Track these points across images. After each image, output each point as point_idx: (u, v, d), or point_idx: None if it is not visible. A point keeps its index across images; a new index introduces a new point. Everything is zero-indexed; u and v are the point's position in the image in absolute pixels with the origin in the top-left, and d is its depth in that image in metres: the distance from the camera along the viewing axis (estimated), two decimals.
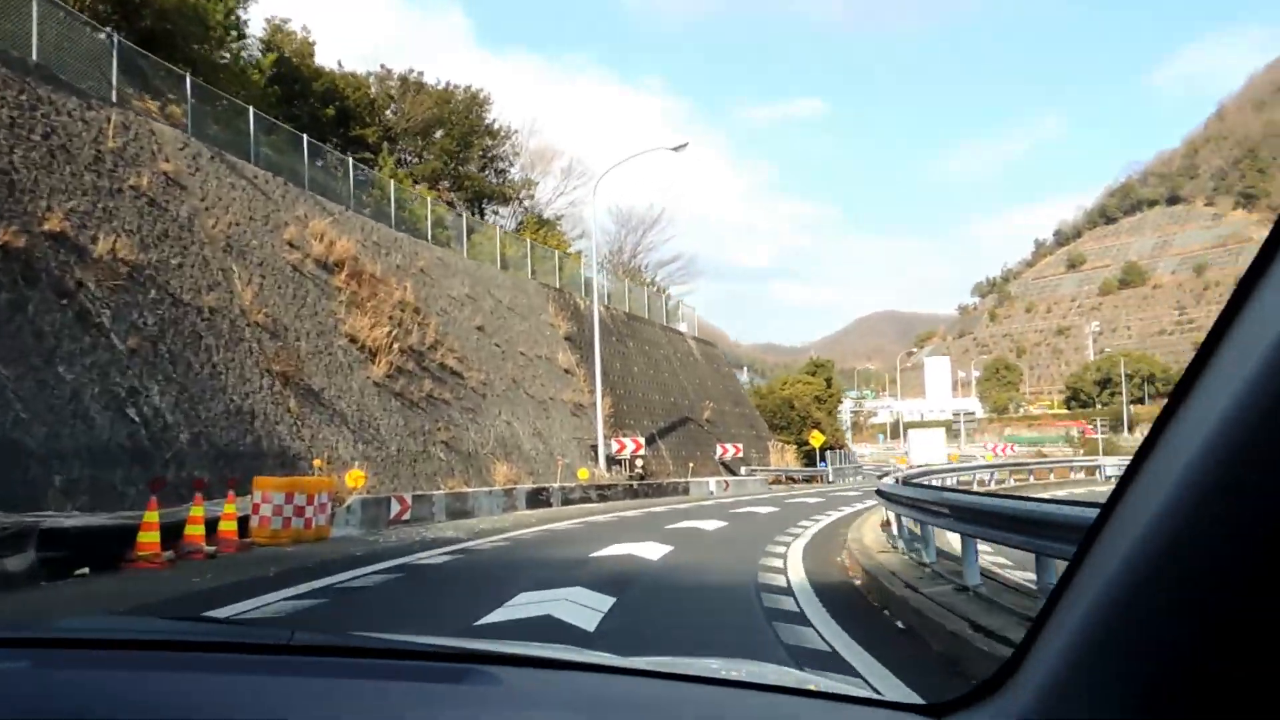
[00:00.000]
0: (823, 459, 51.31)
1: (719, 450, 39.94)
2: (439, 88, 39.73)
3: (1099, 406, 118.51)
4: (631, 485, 29.33)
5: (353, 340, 21.31)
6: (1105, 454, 53.15)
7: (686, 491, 33.21)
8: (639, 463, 31.78)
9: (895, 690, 5.09)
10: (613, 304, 39.25)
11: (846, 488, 40.84)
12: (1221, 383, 0.72)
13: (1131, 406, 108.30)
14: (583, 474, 27.57)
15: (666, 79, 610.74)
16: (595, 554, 12.36)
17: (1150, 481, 0.78)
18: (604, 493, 27.01)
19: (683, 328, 45.83)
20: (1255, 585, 0.68)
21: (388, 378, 21.78)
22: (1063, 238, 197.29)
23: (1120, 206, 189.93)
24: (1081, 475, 43.02)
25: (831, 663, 5.86)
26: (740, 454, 40.60)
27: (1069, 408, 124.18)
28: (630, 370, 37.19)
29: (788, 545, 13.98)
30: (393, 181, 28.41)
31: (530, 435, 27.75)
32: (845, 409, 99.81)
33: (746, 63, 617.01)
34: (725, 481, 36.58)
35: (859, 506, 24.67)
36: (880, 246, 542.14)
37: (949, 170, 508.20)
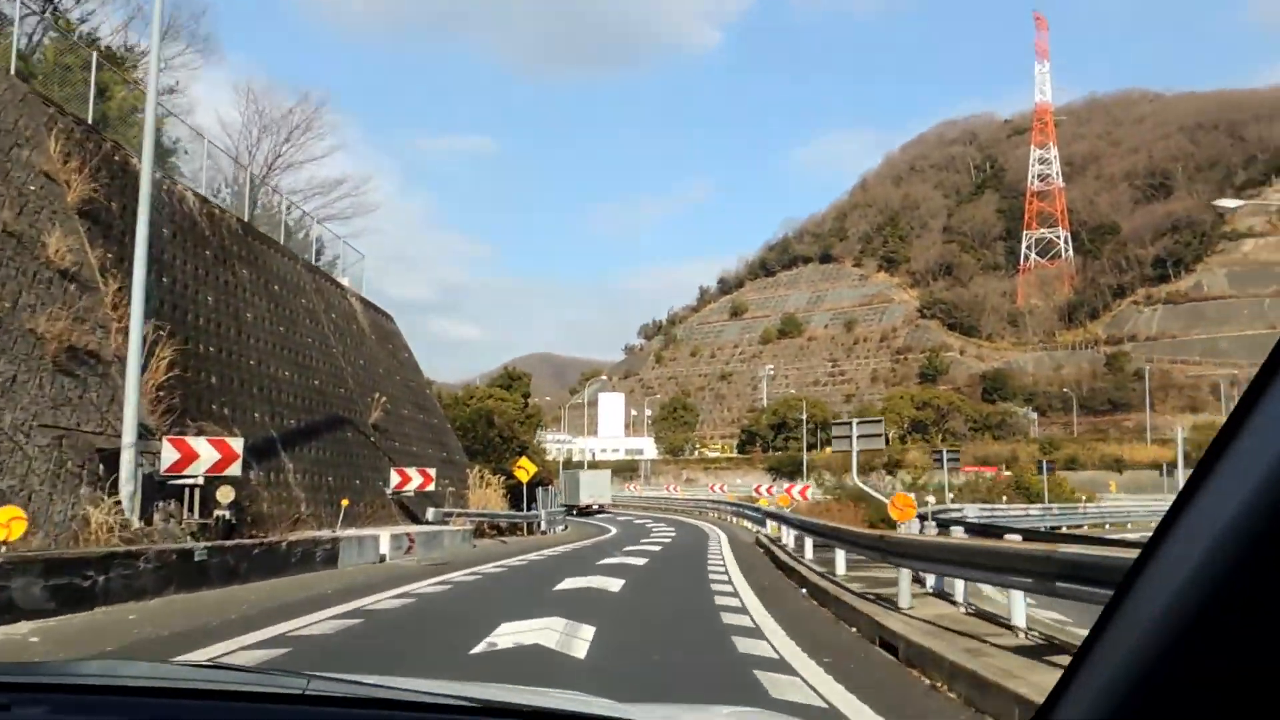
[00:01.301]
0: (532, 499, 35.56)
1: (395, 479, 22.91)
2: None
3: (773, 451, 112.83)
4: (193, 551, 11.86)
5: None
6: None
7: (331, 560, 16.02)
8: (226, 500, 14.06)
9: None
10: (225, 207, 21.25)
11: (575, 540, 25.80)
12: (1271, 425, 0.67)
13: (808, 452, 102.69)
14: (16, 529, 9.67)
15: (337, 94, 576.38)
16: None
17: (1194, 526, 0.74)
18: (100, 571, 9.41)
19: (345, 282, 28.39)
20: None
21: None
22: (726, 286, 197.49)
23: (779, 260, 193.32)
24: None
25: None
26: (430, 485, 23.71)
27: (743, 451, 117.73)
28: (239, 317, 19.28)
29: None
30: None
31: None
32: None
33: (416, 91, 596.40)
34: (409, 536, 19.50)
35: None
36: (541, 289, 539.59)
37: (610, 221, 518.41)
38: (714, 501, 51.18)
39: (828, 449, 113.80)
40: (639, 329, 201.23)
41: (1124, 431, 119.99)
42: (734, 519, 42.81)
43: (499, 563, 18.68)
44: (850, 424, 24.98)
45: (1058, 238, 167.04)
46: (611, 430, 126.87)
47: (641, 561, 19.17)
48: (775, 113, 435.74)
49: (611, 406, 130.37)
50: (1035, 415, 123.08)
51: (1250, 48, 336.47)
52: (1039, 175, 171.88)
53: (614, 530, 39.21)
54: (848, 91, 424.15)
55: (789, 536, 22.17)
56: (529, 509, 35.07)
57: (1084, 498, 64.61)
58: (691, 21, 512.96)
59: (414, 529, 20.47)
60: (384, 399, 24.48)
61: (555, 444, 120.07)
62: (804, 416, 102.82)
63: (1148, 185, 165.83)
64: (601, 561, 18.78)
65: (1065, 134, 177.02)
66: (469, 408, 37.51)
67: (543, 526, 34.69)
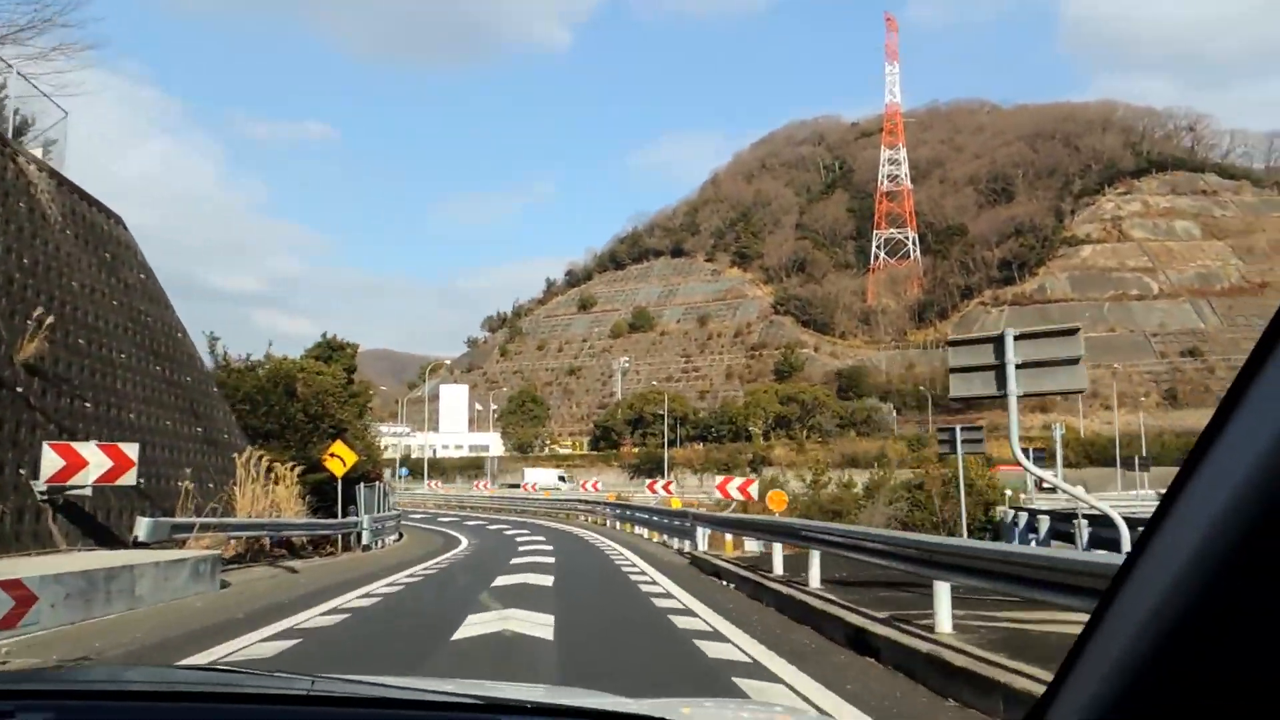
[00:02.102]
0: (350, 500, 24.70)
1: (53, 461, 11.95)
2: None
3: (629, 447, 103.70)
4: None
5: None
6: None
7: None
8: None
9: None
10: None
11: (410, 561, 15.60)
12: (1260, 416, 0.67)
13: (669, 450, 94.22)
14: None
15: (156, 74, 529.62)
16: None
17: (1183, 521, 0.75)
18: None
19: (37, 150, 17.04)
20: None
21: None
22: (574, 279, 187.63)
23: (629, 254, 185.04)
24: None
25: None
26: (128, 474, 12.58)
27: (597, 448, 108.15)
28: None
29: None
30: None
31: None
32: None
33: (248, 73, 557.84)
34: (16, 588, 8.73)
35: None
36: (382, 285, 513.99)
37: (456, 217, 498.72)
38: (587, 502, 41.22)
39: (695, 445, 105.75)
40: (483, 321, 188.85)
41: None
42: (618, 525, 33.07)
43: (228, 644, 8.22)
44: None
45: (906, 238, 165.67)
46: (455, 425, 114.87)
47: (540, 625, 9.15)
48: (623, 113, 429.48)
49: (454, 399, 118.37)
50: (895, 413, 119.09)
51: (1066, 70, 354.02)
52: (889, 175, 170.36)
53: (465, 541, 28.83)
54: (696, 92, 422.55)
55: (778, 560, 12.68)
56: (345, 514, 24.16)
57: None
58: (541, 20, 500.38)
59: (62, 564, 9.64)
60: (66, 329, 13.39)
61: (393, 437, 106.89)
62: (665, 411, 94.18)
63: (990, 190, 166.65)
64: (462, 632, 8.60)
65: (910, 138, 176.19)
66: (269, 374, 26.18)
67: (364, 539, 23.85)
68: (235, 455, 18.32)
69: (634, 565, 17.72)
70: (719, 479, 21.70)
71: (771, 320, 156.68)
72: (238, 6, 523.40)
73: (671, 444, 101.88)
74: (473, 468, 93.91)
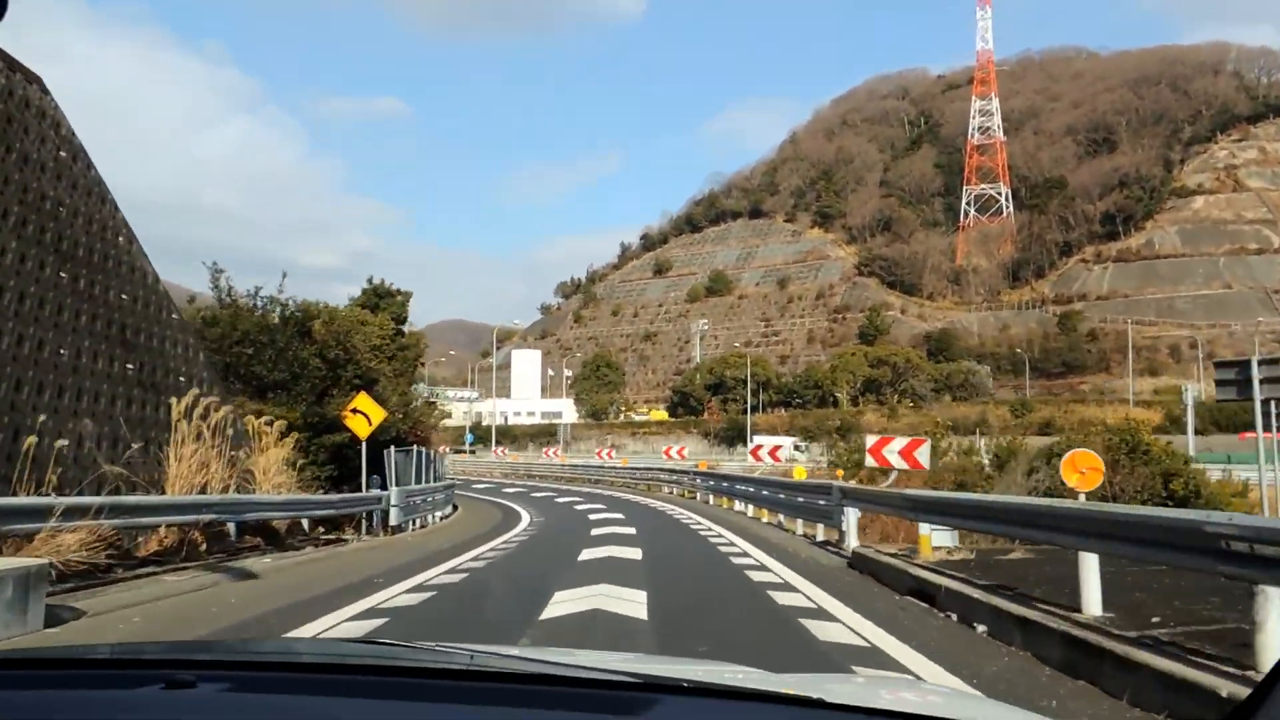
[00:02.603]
0: (374, 470, 19.18)
1: None
2: None
3: (711, 414, 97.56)
4: None
5: None
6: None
7: None
8: None
9: None
10: None
11: (452, 548, 9.88)
12: None
13: (751, 415, 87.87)
14: None
15: (234, 55, 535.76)
16: None
17: None
18: None
19: None
20: None
21: None
22: (650, 242, 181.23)
23: (706, 216, 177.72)
24: None
25: None
26: None
27: (675, 414, 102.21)
28: None
29: None
30: None
31: None
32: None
33: (324, 49, 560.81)
34: None
35: None
36: (453, 258, 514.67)
37: (527, 188, 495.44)
38: (671, 471, 35.34)
39: (778, 411, 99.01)
40: (556, 287, 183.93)
41: (1079, 395, 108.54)
42: (710, 498, 27.15)
43: None
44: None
45: (999, 194, 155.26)
46: (527, 391, 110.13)
47: None
48: (697, 80, 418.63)
49: (526, 365, 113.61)
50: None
51: (1164, 19, 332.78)
52: (979, 128, 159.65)
53: (526, 519, 23.29)
54: (772, 56, 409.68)
55: (1090, 585, 6.65)
56: (369, 486, 18.64)
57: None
58: None
59: None
60: None
61: (459, 402, 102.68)
62: (747, 375, 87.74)
63: (1091, 140, 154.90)
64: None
65: (1003, 89, 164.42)
66: (272, 314, 20.63)
67: (392, 519, 18.31)
68: (205, 404, 12.75)
69: (760, 564, 11.75)
70: (871, 440, 15.34)
71: (855, 282, 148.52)
72: None
73: (753, 410, 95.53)
74: (545, 435, 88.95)
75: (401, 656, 1.61)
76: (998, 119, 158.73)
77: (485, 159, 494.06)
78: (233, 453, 12.83)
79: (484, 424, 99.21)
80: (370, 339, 28.05)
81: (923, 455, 13.99)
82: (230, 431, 13.15)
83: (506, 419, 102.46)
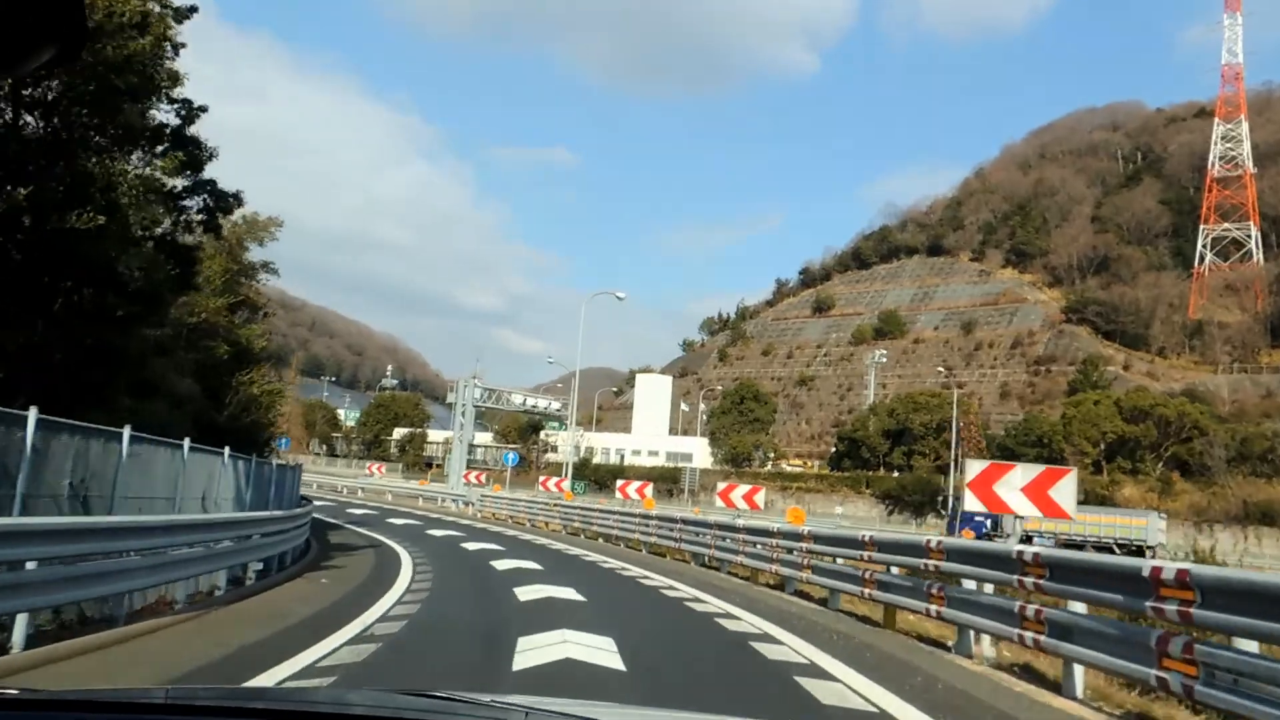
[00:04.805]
0: None
1: None
2: None
3: (883, 470, 71.00)
4: None
5: None
6: None
7: None
8: None
9: None
10: None
11: None
12: None
13: (958, 470, 61.24)
14: None
15: (418, 103, 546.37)
16: None
17: None
18: None
19: None
20: None
21: None
22: (809, 278, 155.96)
23: (877, 251, 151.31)
24: None
25: None
26: None
27: (839, 467, 76.01)
28: None
29: None
30: None
31: None
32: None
33: (498, 99, 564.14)
34: None
35: None
36: (603, 304, 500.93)
37: (679, 241, 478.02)
38: (851, 545, 10.88)
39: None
40: (702, 323, 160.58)
41: None
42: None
43: None
44: None
45: (1246, 235, 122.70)
46: (652, 426, 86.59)
47: None
48: (867, 136, 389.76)
49: (652, 392, 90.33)
50: None
51: None
52: (1222, 157, 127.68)
53: None
54: (942, 111, 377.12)
55: None
56: None
57: None
58: (786, 43, 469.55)
59: None
60: None
61: (562, 435, 79.61)
62: (954, 419, 61.00)
63: None
64: None
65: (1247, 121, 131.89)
66: None
67: None
68: None
69: None
70: None
71: (1061, 329, 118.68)
72: (490, 37, 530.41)
73: (945, 469, 68.62)
74: (667, 480, 64.71)
75: (456, 710, 1.52)
76: (1246, 146, 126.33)
77: (645, 209, 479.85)
78: None
79: (595, 461, 75.97)
80: None
81: None
82: None
83: (623, 457, 78.96)
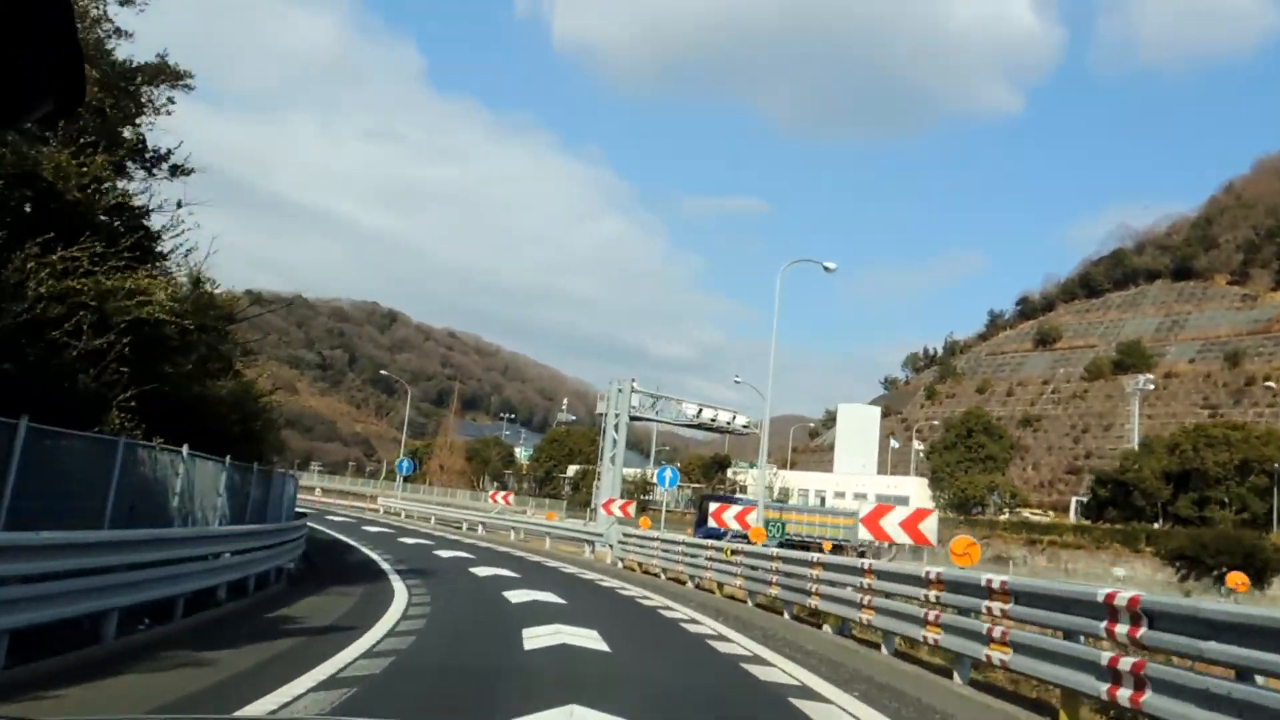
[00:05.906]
0: None
1: None
2: None
3: (1162, 521, 55.15)
4: None
5: None
6: None
7: None
8: None
9: None
10: None
11: None
12: None
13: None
14: None
15: (609, 157, 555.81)
16: None
17: None
18: None
19: None
20: None
21: None
22: (1029, 309, 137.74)
23: (1109, 277, 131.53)
24: None
25: None
26: None
27: (1093, 516, 60.46)
28: None
29: None
30: None
31: None
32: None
33: (690, 151, 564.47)
34: None
35: None
36: (794, 352, 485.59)
37: (872, 287, 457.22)
38: None
39: None
40: (905, 359, 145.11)
41: None
42: None
43: None
44: None
45: None
46: (856, 462, 73.83)
47: None
48: (1075, 177, 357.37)
49: (857, 426, 77.58)
50: None
51: None
52: None
53: None
54: (1164, 147, 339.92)
55: None
56: None
57: None
58: (988, 85, 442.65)
59: None
60: None
61: (750, 470, 68.07)
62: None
63: None
64: None
65: None
66: None
67: None
68: None
69: None
70: None
71: None
72: (677, 87, 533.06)
73: (1250, 522, 52.11)
74: None
75: None
76: None
77: (836, 253, 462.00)
78: None
79: (789, 503, 64.07)
80: None
81: None
82: None
83: (823, 499, 66.63)
